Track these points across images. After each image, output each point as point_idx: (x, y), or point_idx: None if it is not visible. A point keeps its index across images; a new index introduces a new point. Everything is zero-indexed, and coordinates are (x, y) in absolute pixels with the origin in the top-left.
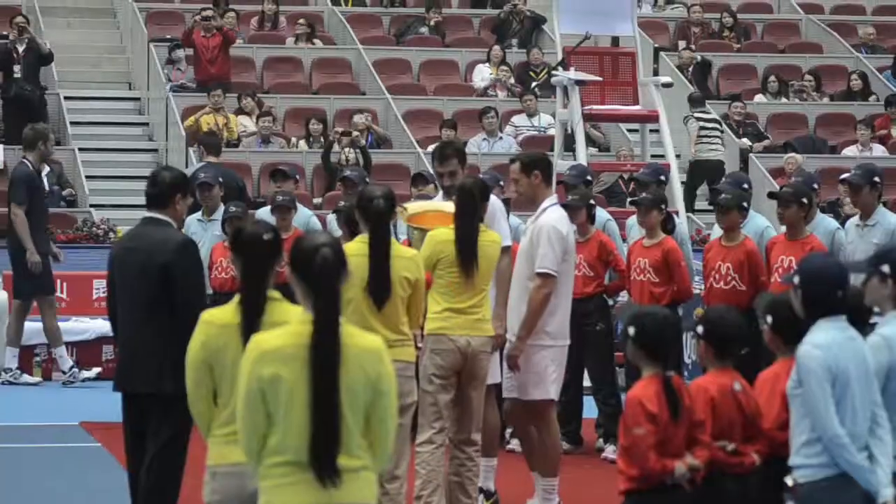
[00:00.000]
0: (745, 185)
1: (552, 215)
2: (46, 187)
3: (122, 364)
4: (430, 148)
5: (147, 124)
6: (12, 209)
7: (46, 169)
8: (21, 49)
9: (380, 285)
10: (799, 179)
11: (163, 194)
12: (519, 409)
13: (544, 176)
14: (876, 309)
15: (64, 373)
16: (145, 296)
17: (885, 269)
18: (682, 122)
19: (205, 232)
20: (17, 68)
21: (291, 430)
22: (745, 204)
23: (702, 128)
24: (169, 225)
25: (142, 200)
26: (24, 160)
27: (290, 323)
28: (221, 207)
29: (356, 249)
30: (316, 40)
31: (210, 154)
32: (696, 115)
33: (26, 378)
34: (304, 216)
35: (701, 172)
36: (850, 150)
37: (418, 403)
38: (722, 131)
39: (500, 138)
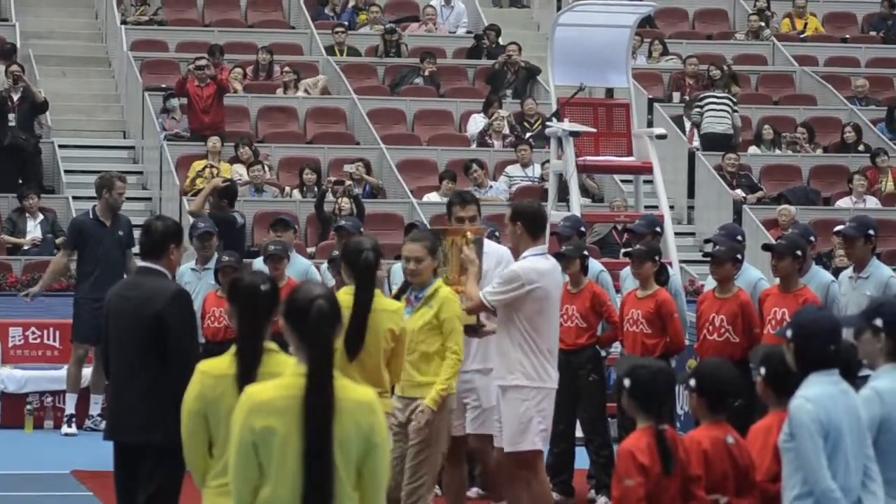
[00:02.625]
0: (739, 237)
1: (524, 262)
2: (120, 234)
3: (113, 413)
4: (426, 198)
5: (141, 173)
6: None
7: (40, 217)
8: (16, 98)
9: (355, 337)
10: (795, 232)
11: (156, 244)
12: (506, 461)
13: (526, 228)
14: (864, 362)
15: (90, 416)
16: (137, 345)
17: (878, 322)
18: (674, 175)
19: (199, 281)
20: (11, 116)
21: (284, 482)
22: (738, 256)
23: (712, 104)
24: (163, 275)
25: (136, 248)
26: (91, 209)
27: (284, 374)
28: (216, 256)
29: (343, 301)
30: (310, 89)
31: (231, 206)
32: (710, 96)
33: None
34: (302, 266)
35: (711, 144)
36: (843, 202)
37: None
38: (733, 109)
39: (491, 187)
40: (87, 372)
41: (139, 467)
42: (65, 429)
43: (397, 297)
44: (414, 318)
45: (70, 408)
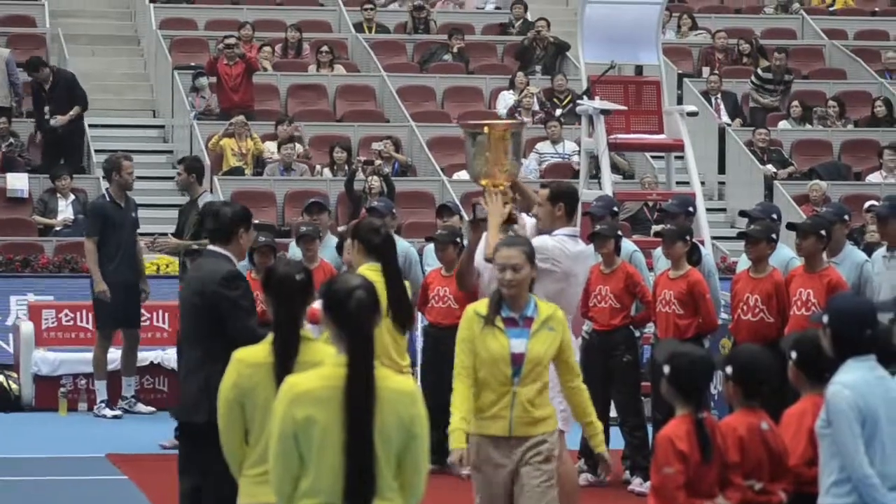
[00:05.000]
0: (774, 216)
1: (555, 240)
2: (134, 216)
3: (178, 394)
4: (456, 175)
5: (171, 152)
6: (85, 241)
7: (71, 197)
8: (47, 87)
9: (404, 310)
10: (829, 210)
11: (225, 229)
12: None
13: (567, 210)
14: None
15: (123, 398)
16: (191, 325)
17: None
18: (705, 150)
19: None
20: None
21: (324, 472)
22: (773, 235)
23: (766, 80)
24: (226, 258)
25: (166, 227)
26: (105, 192)
27: (323, 363)
28: None
29: (371, 278)
30: (338, 66)
31: (199, 183)
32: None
33: (140, 407)
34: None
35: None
36: (874, 177)
37: None
38: (772, 91)
39: (521, 164)
40: (117, 354)
41: (197, 447)
42: (108, 412)
43: (490, 317)
44: (536, 343)
45: (102, 393)
